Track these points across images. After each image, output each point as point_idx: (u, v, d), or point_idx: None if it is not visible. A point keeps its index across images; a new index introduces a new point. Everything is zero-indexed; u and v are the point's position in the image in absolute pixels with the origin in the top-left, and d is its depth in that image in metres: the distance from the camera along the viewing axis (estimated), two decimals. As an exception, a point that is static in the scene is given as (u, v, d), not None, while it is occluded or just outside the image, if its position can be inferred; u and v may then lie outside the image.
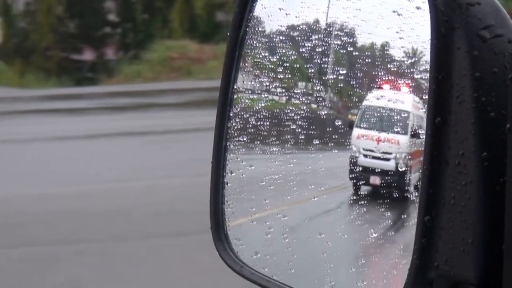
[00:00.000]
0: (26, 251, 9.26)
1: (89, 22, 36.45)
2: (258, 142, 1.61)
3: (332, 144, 1.48)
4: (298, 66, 1.56)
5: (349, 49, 1.44)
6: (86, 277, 8.36)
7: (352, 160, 1.44)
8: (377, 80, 1.38)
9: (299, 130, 1.53)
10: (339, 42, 1.45)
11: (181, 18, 36.48)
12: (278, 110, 1.60)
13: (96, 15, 36.91)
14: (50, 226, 10.19)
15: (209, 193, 1.62)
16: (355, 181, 1.44)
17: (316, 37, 1.49)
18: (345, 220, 1.46)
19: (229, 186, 1.62)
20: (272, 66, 1.60)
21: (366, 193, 1.42)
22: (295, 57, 1.56)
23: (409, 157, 1.37)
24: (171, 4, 36.68)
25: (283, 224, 1.57)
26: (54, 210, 10.99)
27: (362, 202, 1.41)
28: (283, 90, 1.60)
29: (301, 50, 1.54)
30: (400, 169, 1.38)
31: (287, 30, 1.57)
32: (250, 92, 1.64)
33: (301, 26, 1.53)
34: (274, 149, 1.58)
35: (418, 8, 1.26)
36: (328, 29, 1.47)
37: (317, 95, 1.52)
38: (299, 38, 1.53)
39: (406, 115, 1.38)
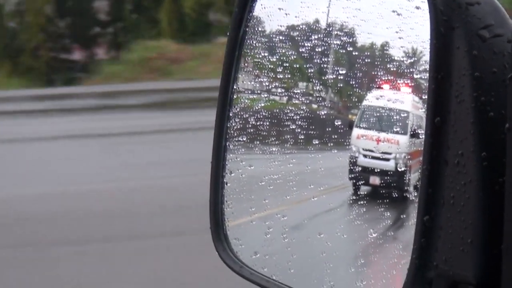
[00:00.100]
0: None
1: (79, 22, 36.42)
2: (258, 142, 1.61)
3: (332, 144, 1.48)
4: (297, 66, 1.56)
5: (348, 49, 1.44)
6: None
7: (352, 160, 1.44)
8: (376, 80, 1.38)
9: (299, 130, 1.53)
10: (338, 42, 1.45)
11: (169, 18, 36.47)
12: (277, 110, 1.60)
13: (86, 15, 36.86)
14: (17, 228, 10.17)
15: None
16: (354, 181, 1.44)
17: (316, 37, 1.49)
18: (345, 220, 1.46)
19: (229, 186, 1.62)
20: (272, 66, 1.60)
21: (365, 193, 1.42)
22: (295, 57, 1.56)
23: (409, 157, 1.37)
24: (159, 4, 36.65)
25: (283, 224, 1.57)
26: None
27: (362, 202, 1.41)
28: (283, 90, 1.59)
29: (300, 50, 1.54)
30: (400, 169, 1.38)
31: (287, 30, 1.57)
32: (249, 92, 1.64)
33: (301, 26, 1.53)
34: (274, 149, 1.58)
35: (417, 8, 1.26)
36: (328, 29, 1.47)
37: (317, 95, 1.52)
38: (299, 38, 1.53)
39: (405, 115, 1.38)
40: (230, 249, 1.59)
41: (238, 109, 1.62)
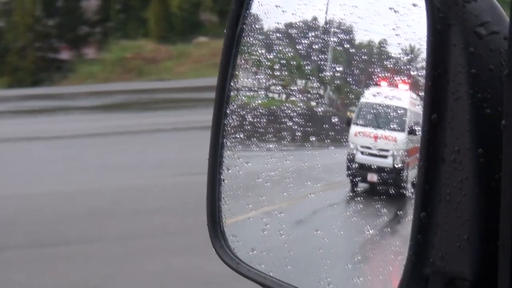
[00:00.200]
0: None
1: (66, 22, 36.39)
2: (255, 139, 1.62)
3: (329, 141, 1.48)
4: (295, 63, 1.56)
5: (345, 46, 1.44)
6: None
7: (349, 157, 1.44)
8: (374, 77, 1.38)
9: (296, 127, 1.53)
10: (335, 39, 1.45)
11: (156, 18, 36.49)
12: (274, 107, 1.60)
13: (74, 15, 36.83)
14: None
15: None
16: (352, 178, 1.44)
17: (313, 34, 1.50)
18: (342, 217, 1.46)
19: (226, 183, 1.62)
20: (269, 63, 1.60)
21: (362, 190, 1.42)
22: (292, 54, 1.56)
23: (406, 154, 1.38)
24: (147, 4, 36.66)
25: (280, 221, 1.57)
26: None
27: (359, 199, 1.41)
28: (280, 88, 1.60)
29: (298, 47, 1.54)
30: (397, 166, 1.38)
31: (284, 28, 1.57)
32: (246, 89, 1.64)
33: (298, 24, 1.53)
34: (271, 146, 1.58)
35: (414, 5, 1.26)
36: (325, 26, 1.47)
37: (314, 92, 1.52)
38: (296, 36, 1.53)
39: (403, 112, 1.38)
40: (227, 246, 1.59)
41: (235, 106, 1.62)
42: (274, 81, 1.61)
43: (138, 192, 12.13)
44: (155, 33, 35.68)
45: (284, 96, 1.59)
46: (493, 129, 1.11)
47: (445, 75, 1.15)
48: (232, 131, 1.62)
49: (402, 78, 1.33)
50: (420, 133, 1.19)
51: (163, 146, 16.52)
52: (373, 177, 1.41)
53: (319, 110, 1.51)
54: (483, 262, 1.11)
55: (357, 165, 1.43)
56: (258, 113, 1.62)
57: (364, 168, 1.42)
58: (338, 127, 1.47)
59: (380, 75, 1.36)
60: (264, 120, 1.61)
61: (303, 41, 1.52)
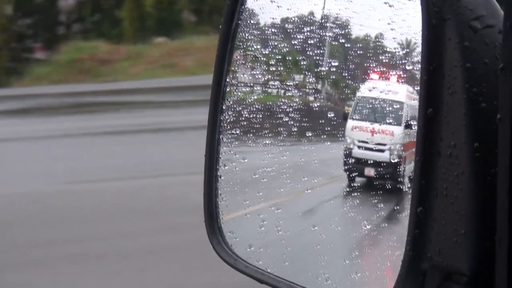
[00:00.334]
0: None
1: (41, 22, 36.36)
2: (251, 135, 1.61)
3: (325, 136, 1.47)
4: (290, 58, 1.55)
5: (341, 41, 1.43)
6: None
7: (346, 152, 1.44)
8: (370, 71, 1.37)
9: (292, 123, 1.53)
10: (331, 34, 1.45)
11: (130, 17, 36.51)
12: (270, 103, 1.60)
13: (49, 15, 36.80)
14: None
15: (201, 188, 1.61)
16: (349, 173, 1.44)
17: (309, 29, 1.49)
18: (339, 212, 1.46)
19: (223, 179, 1.62)
20: (265, 59, 1.60)
21: (359, 184, 1.42)
22: (288, 49, 1.56)
23: (403, 148, 1.37)
24: (120, 4, 36.68)
25: (277, 217, 1.57)
26: None
27: (356, 194, 1.41)
28: (276, 83, 1.59)
29: (293, 42, 1.54)
30: (394, 160, 1.37)
31: (280, 23, 1.57)
32: (242, 85, 1.64)
33: (293, 19, 1.52)
34: (267, 142, 1.58)
35: (409, -1, 1.26)
36: (321, 21, 1.47)
37: (310, 87, 1.52)
38: (292, 31, 1.53)
39: (399, 105, 1.38)
40: (225, 242, 1.59)
41: (231, 102, 1.62)
42: (270, 76, 1.60)
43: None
44: (129, 33, 35.73)
45: (280, 91, 1.58)
46: (489, 123, 1.10)
47: (440, 69, 1.15)
48: (229, 127, 1.62)
49: (398, 73, 1.32)
50: (416, 127, 1.18)
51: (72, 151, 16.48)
52: (370, 172, 1.41)
53: (315, 105, 1.51)
54: (480, 257, 1.11)
55: (354, 160, 1.43)
56: (254, 109, 1.61)
57: (361, 163, 1.42)
58: (335, 122, 1.47)
59: (376, 69, 1.36)
60: (260, 116, 1.60)
61: (298, 36, 1.52)
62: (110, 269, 8.50)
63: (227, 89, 1.61)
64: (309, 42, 1.50)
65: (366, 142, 1.42)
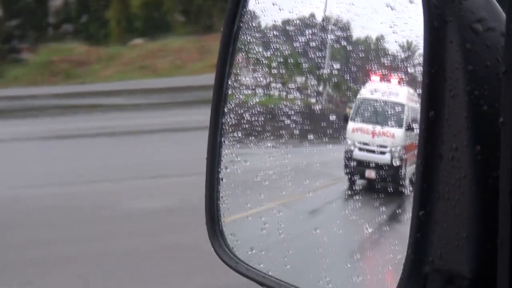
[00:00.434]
0: None
1: (28, 23, 36.35)
2: (253, 138, 1.61)
3: (327, 139, 1.47)
4: (292, 61, 1.55)
5: (343, 43, 1.43)
6: None
7: (347, 154, 1.44)
8: (371, 74, 1.37)
9: (294, 125, 1.52)
10: (333, 37, 1.45)
11: (117, 18, 36.52)
12: (272, 105, 1.59)
13: (37, 15, 36.81)
14: None
15: (203, 190, 1.61)
16: (350, 175, 1.44)
17: (310, 31, 1.49)
18: (340, 215, 1.46)
19: (224, 182, 1.62)
20: (266, 61, 1.60)
21: (361, 187, 1.41)
22: (289, 52, 1.55)
23: (404, 150, 1.37)
24: (107, 4, 36.70)
25: (278, 220, 1.56)
26: None
27: (357, 197, 1.41)
28: (277, 85, 1.59)
29: (295, 45, 1.53)
30: (395, 162, 1.37)
31: (281, 25, 1.57)
32: (244, 87, 1.64)
33: (295, 21, 1.52)
34: (269, 144, 1.58)
35: (411, 2, 1.26)
36: (322, 24, 1.47)
37: (312, 89, 1.52)
38: (293, 33, 1.53)
39: (400, 108, 1.38)
40: (226, 245, 1.59)
41: (233, 105, 1.62)
42: (271, 79, 1.60)
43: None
44: (116, 34, 35.74)
45: (282, 94, 1.58)
46: (491, 126, 1.10)
47: (442, 72, 1.15)
48: (230, 130, 1.62)
49: (400, 75, 1.32)
50: (417, 130, 1.18)
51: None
52: (371, 174, 1.41)
53: (317, 107, 1.51)
54: (482, 260, 1.11)
55: (355, 162, 1.43)
56: (256, 111, 1.61)
57: (362, 165, 1.42)
58: (336, 125, 1.46)
59: (377, 72, 1.36)
60: (262, 119, 1.60)
61: (300, 39, 1.51)
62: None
63: (229, 92, 1.61)
64: (310, 44, 1.49)
65: (367, 144, 1.42)
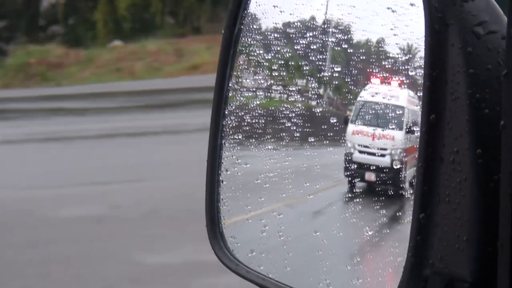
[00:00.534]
0: None
1: (16, 24, 36.37)
2: (254, 140, 1.61)
3: (327, 142, 1.47)
4: (293, 63, 1.55)
5: (343, 46, 1.43)
6: None
7: (347, 157, 1.44)
8: (372, 76, 1.37)
9: (295, 128, 1.52)
10: (334, 39, 1.45)
11: (104, 20, 36.51)
12: (273, 108, 1.59)
13: (24, 17, 36.82)
14: None
15: (204, 192, 1.61)
16: (350, 178, 1.44)
17: (311, 34, 1.49)
18: (341, 218, 1.46)
19: (225, 184, 1.62)
20: (267, 64, 1.60)
21: (361, 190, 1.41)
22: (290, 54, 1.55)
23: (404, 153, 1.37)
24: (94, 6, 36.70)
25: (279, 222, 1.56)
26: None
27: (357, 200, 1.41)
28: (278, 88, 1.59)
29: (296, 47, 1.53)
30: (395, 166, 1.37)
31: (282, 28, 1.57)
32: (245, 89, 1.64)
33: (296, 24, 1.52)
34: (270, 147, 1.58)
35: (412, 4, 1.26)
36: (323, 26, 1.47)
37: (312, 92, 1.52)
38: (294, 36, 1.53)
39: (401, 111, 1.38)
40: (226, 247, 1.59)
41: (233, 107, 1.62)
42: (272, 81, 1.60)
43: None
44: (103, 36, 35.73)
45: (283, 96, 1.58)
46: (492, 129, 1.10)
47: (443, 75, 1.15)
48: (231, 132, 1.62)
49: (400, 78, 1.32)
50: (418, 132, 1.18)
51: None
52: (371, 176, 1.41)
53: (318, 110, 1.51)
54: (482, 264, 1.11)
55: (355, 165, 1.43)
56: (257, 114, 1.61)
57: (362, 168, 1.42)
58: (336, 128, 1.46)
59: (378, 74, 1.36)
60: (263, 121, 1.60)
61: (301, 41, 1.51)
62: None
63: (230, 94, 1.61)
64: (311, 47, 1.49)
65: (367, 147, 1.42)
